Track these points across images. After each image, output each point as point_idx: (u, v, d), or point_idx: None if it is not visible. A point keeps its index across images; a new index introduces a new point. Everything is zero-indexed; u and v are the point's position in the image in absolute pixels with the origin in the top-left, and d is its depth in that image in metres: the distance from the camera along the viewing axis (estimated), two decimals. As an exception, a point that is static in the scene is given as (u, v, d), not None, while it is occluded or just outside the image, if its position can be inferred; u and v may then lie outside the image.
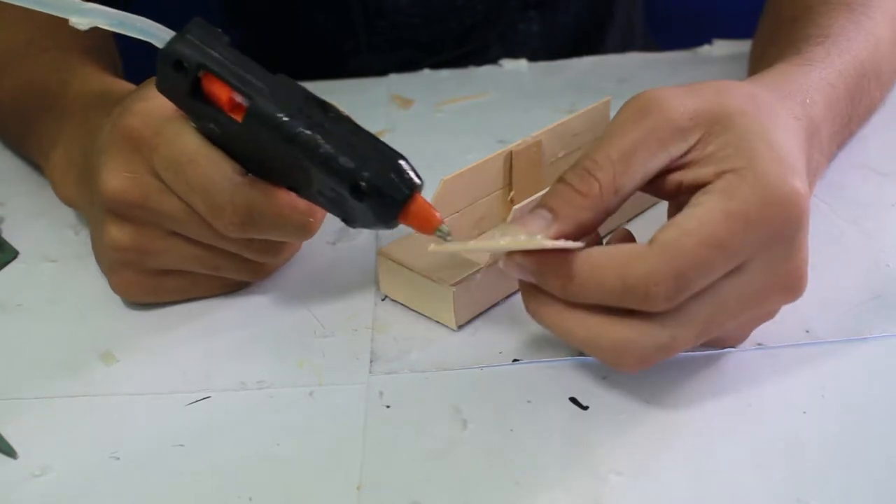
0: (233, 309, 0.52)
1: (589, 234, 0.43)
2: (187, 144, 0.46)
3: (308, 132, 0.43)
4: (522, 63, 0.77)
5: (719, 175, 0.41)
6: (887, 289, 0.50)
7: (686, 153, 0.42)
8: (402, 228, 0.53)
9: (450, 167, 0.51)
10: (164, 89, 0.46)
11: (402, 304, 0.51)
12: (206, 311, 0.52)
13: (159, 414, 0.46)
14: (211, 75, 0.44)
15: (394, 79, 0.76)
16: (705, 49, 0.77)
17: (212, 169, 0.45)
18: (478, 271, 0.49)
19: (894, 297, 0.50)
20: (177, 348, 0.49)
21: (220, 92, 0.44)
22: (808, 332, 0.48)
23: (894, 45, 0.59)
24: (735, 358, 0.46)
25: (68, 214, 0.60)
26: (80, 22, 0.45)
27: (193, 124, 0.46)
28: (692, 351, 0.46)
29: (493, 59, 0.78)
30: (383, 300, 0.52)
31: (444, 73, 0.76)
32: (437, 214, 0.44)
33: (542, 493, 0.40)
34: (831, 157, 0.55)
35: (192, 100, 0.45)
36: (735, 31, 0.77)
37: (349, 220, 0.45)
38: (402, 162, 0.44)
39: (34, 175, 0.65)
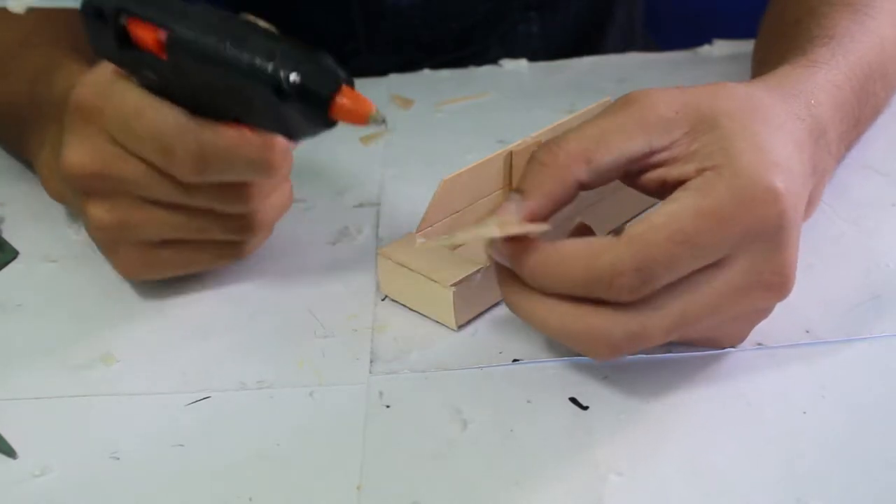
0: (233, 309, 0.52)
1: (561, 206, 0.43)
2: (131, 99, 0.46)
3: (224, 44, 0.43)
4: (522, 63, 0.77)
5: (700, 172, 0.42)
6: (887, 289, 0.50)
7: (670, 148, 0.43)
8: (401, 229, 0.53)
9: (450, 167, 0.51)
10: (97, 48, 0.46)
11: (402, 304, 0.51)
12: (206, 311, 0.52)
13: (159, 414, 0.46)
14: (134, 20, 0.44)
15: (394, 79, 0.76)
16: (705, 49, 0.77)
17: (157, 116, 0.45)
18: (478, 271, 0.49)
19: (894, 297, 0.50)
20: (177, 348, 0.49)
21: (145, 34, 0.44)
22: (808, 331, 0.48)
23: None
24: (735, 358, 0.46)
25: (68, 214, 0.60)
26: (16, 5, 0.45)
27: (137, 81, 0.46)
28: (692, 351, 0.46)
29: (493, 60, 0.78)
30: (383, 300, 0.52)
31: (444, 73, 0.76)
32: (369, 101, 0.43)
33: (543, 493, 0.40)
34: (840, 158, 0.55)
35: (123, 49, 0.45)
36: (735, 31, 0.77)
37: (289, 132, 0.44)
38: (323, 57, 0.43)
39: (34, 175, 0.65)
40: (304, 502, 0.41)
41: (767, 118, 0.44)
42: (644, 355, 0.47)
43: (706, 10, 1.04)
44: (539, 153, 0.44)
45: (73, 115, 0.48)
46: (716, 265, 0.41)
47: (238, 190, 0.48)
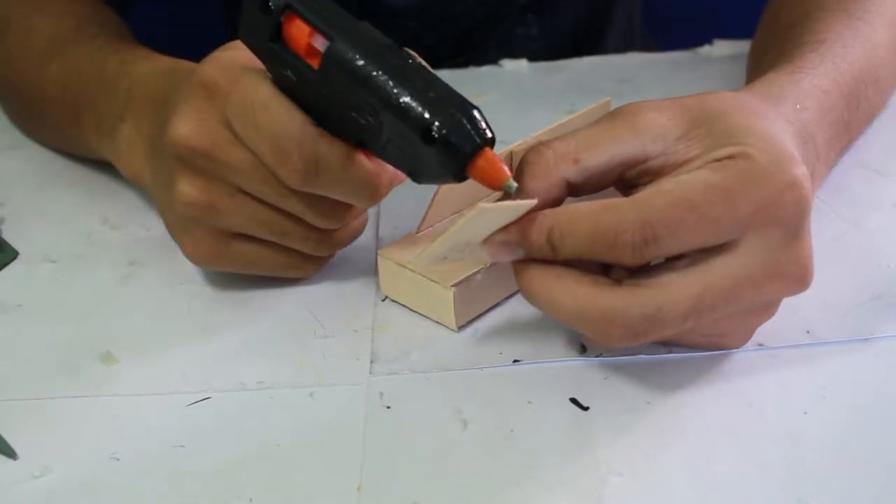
0: (233, 309, 0.52)
1: (549, 206, 0.43)
2: (261, 91, 0.45)
3: (383, 75, 0.43)
4: (522, 63, 0.77)
5: (712, 161, 0.42)
6: (888, 289, 0.50)
7: (666, 154, 0.43)
8: (401, 229, 0.53)
9: (450, 167, 0.51)
10: (246, 34, 0.46)
11: (403, 305, 0.51)
12: (206, 311, 0.52)
13: (159, 414, 0.46)
14: (293, 19, 0.44)
15: (394, 79, 0.76)
16: (705, 49, 0.77)
17: (283, 115, 0.45)
18: (478, 272, 0.49)
19: (894, 297, 0.50)
20: (177, 348, 0.49)
21: (300, 36, 0.44)
22: (808, 332, 0.48)
23: (893, 50, 0.59)
24: (735, 358, 0.46)
25: (68, 214, 0.60)
26: None
27: (271, 75, 0.46)
28: (693, 351, 0.46)
29: (492, 62, 0.78)
30: (383, 300, 0.52)
31: (444, 74, 0.76)
32: (504, 171, 0.43)
33: (543, 493, 0.40)
34: (831, 163, 0.54)
35: (273, 44, 0.44)
36: (735, 31, 0.76)
37: (416, 172, 0.44)
38: (475, 112, 0.43)
39: (34, 175, 0.65)
40: (304, 502, 0.41)
41: (764, 118, 0.44)
42: (645, 356, 0.47)
43: (706, 10, 1.04)
44: (528, 154, 0.44)
45: (195, 89, 0.47)
46: (729, 248, 0.41)
47: (334, 206, 0.48)
